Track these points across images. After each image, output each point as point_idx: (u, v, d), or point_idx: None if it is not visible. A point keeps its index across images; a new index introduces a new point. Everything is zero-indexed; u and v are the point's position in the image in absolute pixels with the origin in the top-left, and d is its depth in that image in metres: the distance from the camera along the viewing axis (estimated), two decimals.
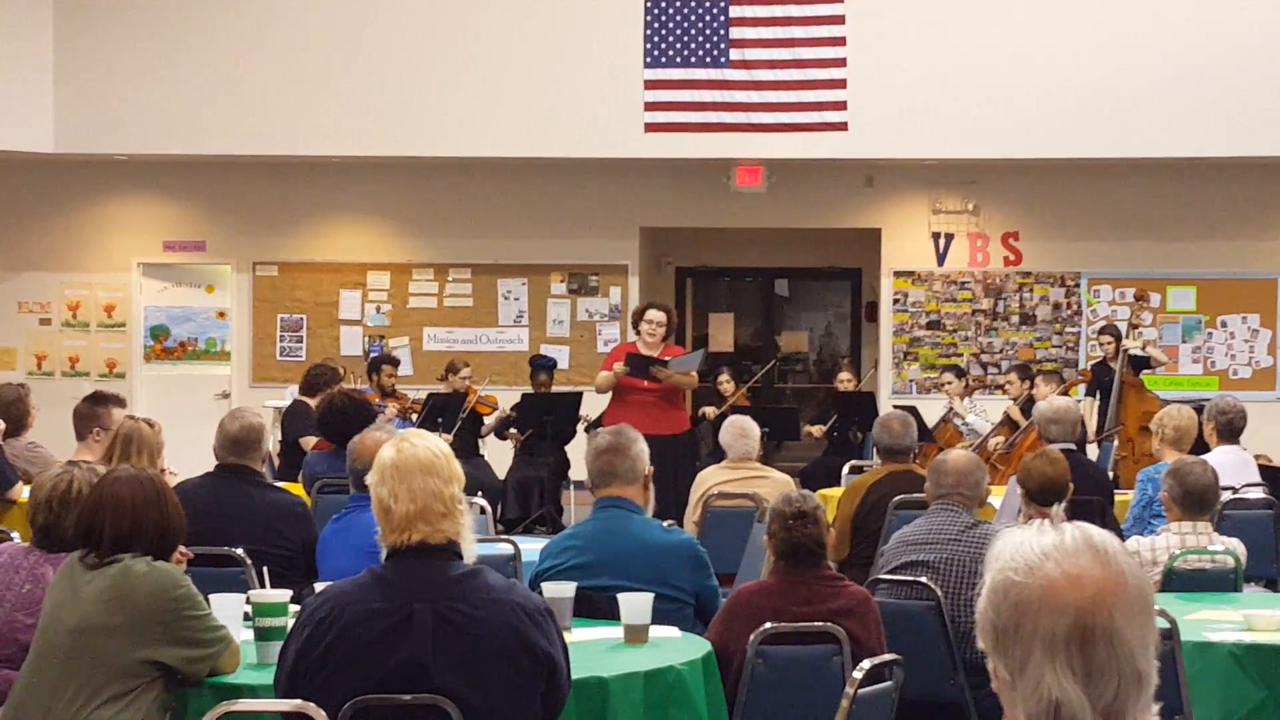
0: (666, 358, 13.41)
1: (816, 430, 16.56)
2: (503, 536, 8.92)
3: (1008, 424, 15.26)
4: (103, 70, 17.56)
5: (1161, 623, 6.02)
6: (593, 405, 16.05)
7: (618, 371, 13.41)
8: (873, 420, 11.85)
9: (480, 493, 11.10)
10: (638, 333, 13.74)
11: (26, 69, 17.44)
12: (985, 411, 16.13)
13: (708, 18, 17.04)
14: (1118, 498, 10.69)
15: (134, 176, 19.08)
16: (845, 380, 17.07)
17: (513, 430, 16.34)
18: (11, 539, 7.02)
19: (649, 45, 17.09)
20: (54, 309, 19.57)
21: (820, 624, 6.10)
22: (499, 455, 16.39)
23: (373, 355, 17.60)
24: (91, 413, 9.83)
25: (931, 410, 16.00)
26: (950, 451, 7.92)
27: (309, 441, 12.44)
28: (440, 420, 15.32)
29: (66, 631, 5.26)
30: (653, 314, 13.72)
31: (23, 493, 9.38)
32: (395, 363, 16.79)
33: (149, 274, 19.60)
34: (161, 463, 8.71)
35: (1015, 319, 18.96)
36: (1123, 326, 16.36)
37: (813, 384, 22.50)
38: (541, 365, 17.21)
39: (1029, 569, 2.44)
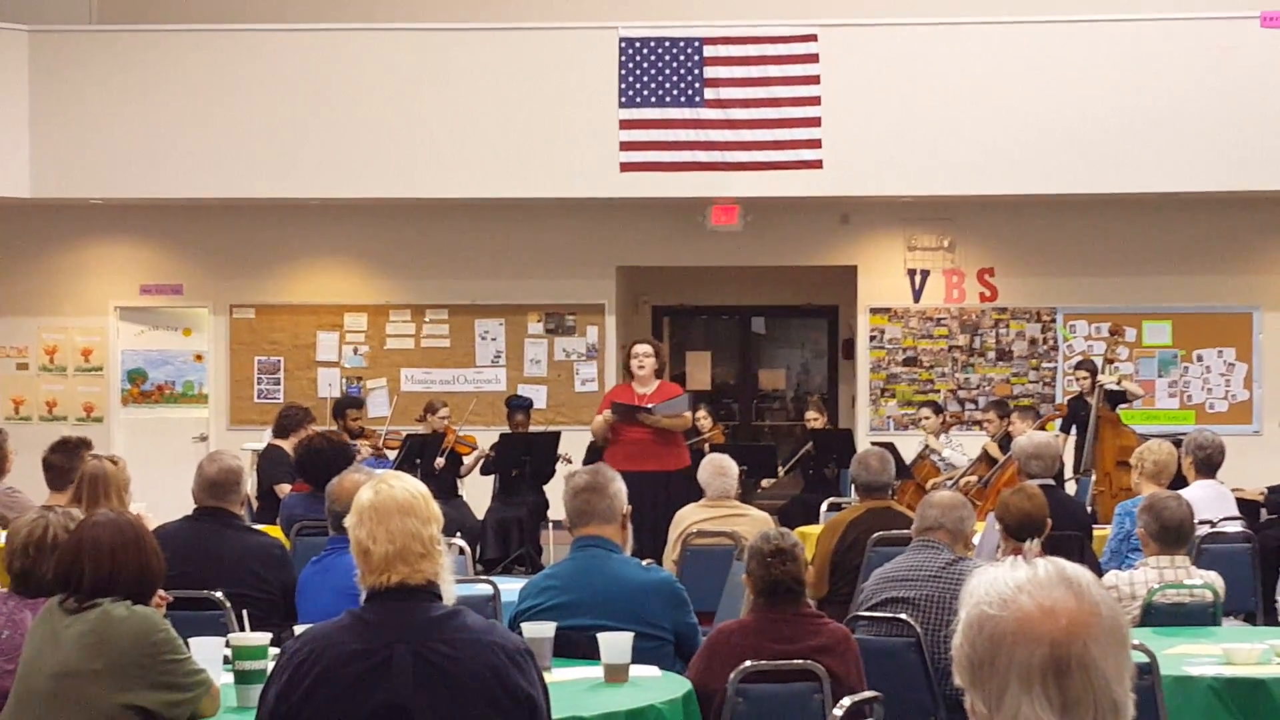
0: (651, 404, 13.33)
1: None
2: (482, 577, 8.91)
3: (985, 460, 15.27)
4: (78, 115, 17.58)
5: (1141, 657, 6.04)
6: (571, 445, 16.06)
7: (606, 418, 13.36)
8: (850, 457, 11.85)
9: (459, 533, 11.10)
10: (629, 373, 13.65)
11: (1, 114, 17.44)
12: (962, 446, 16.16)
13: (682, 57, 17.12)
14: (1095, 532, 10.70)
15: (110, 220, 19.09)
16: (814, 418, 17.02)
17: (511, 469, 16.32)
18: None
19: (624, 85, 17.16)
20: (31, 353, 19.55)
21: (800, 662, 6.10)
22: (477, 496, 16.38)
23: (336, 400, 17.50)
24: (70, 463, 9.77)
25: (909, 447, 16.02)
26: (941, 489, 7.93)
27: (284, 489, 12.43)
28: (419, 461, 15.32)
29: (46, 676, 5.25)
30: (638, 348, 13.66)
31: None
32: (359, 405, 16.81)
33: (126, 318, 19.59)
34: (129, 498, 8.69)
35: (992, 354, 19.00)
36: (1099, 361, 16.39)
37: (790, 421, 22.52)
38: (518, 406, 17.17)
39: (1003, 602, 2.46)
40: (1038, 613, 2.45)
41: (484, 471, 16.48)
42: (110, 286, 19.47)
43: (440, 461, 15.77)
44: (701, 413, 16.95)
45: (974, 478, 14.92)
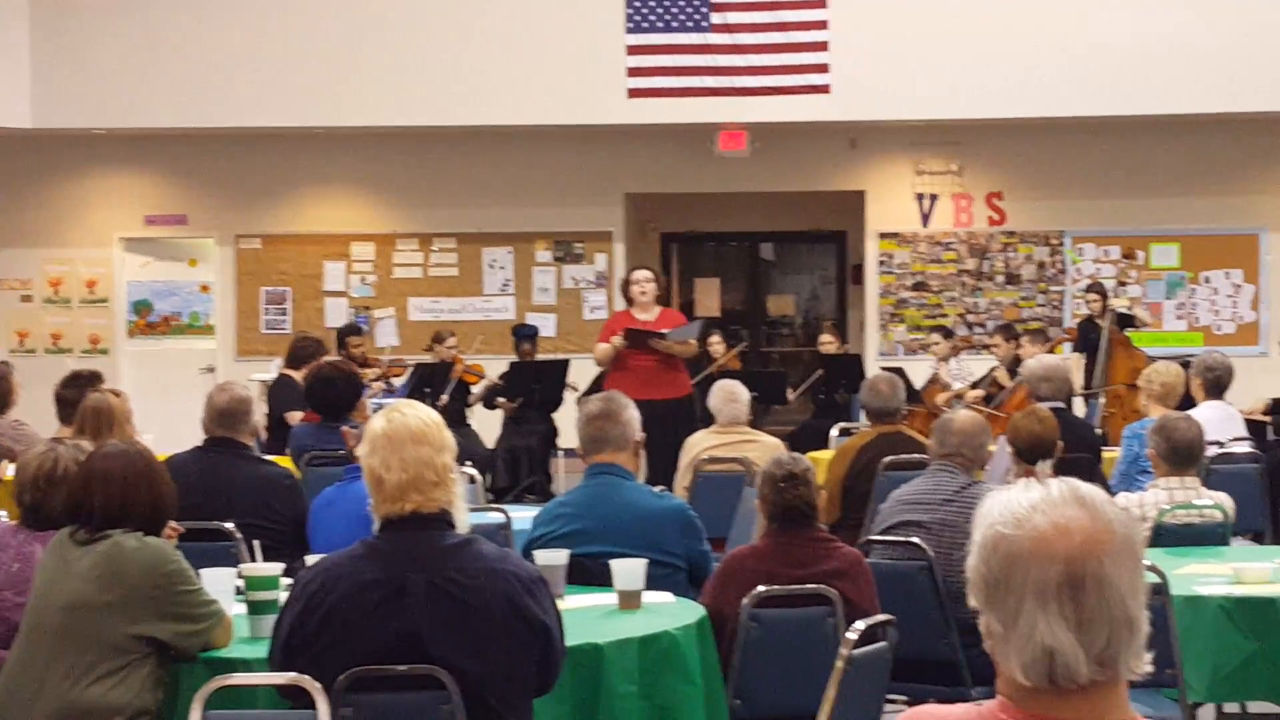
0: (664, 330, 13.23)
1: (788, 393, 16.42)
2: (493, 505, 8.91)
3: (994, 386, 15.22)
4: (80, 43, 17.50)
5: (1152, 577, 6.03)
6: (580, 373, 16.04)
7: (616, 345, 13.17)
8: (859, 383, 11.83)
9: (469, 462, 11.09)
10: (629, 300, 13.53)
11: (2, 43, 17.36)
12: (973, 375, 16.10)
13: None
14: (1105, 454, 10.69)
15: (114, 150, 19.03)
16: (828, 342, 17.01)
17: (502, 399, 16.30)
18: None
19: (631, 10, 17.08)
20: (35, 285, 19.53)
21: (813, 586, 6.10)
22: (487, 425, 16.39)
23: (339, 330, 17.45)
24: (81, 398, 9.76)
25: (918, 372, 16.00)
26: (958, 411, 7.87)
27: (295, 417, 12.41)
28: (428, 390, 15.30)
29: (57, 609, 5.25)
30: (638, 274, 13.50)
31: (8, 471, 9.37)
32: (358, 332, 16.77)
33: (131, 249, 19.56)
34: (131, 430, 8.68)
35: (1000, 279, 18.98)
36: (1109, 284, 16.34)
37: (799, 347, 22.51)
38: (524, 335, 17.18)
39: (1017, 522, 2.48)
40: (1052, 531, 2.46)
41: (487, 405, 16.44)
42: (114, 217, 19.43)
43: (445, 397, 15.73)
44: (715, 338, 16.90)
45: (980, 395, 14.88)
